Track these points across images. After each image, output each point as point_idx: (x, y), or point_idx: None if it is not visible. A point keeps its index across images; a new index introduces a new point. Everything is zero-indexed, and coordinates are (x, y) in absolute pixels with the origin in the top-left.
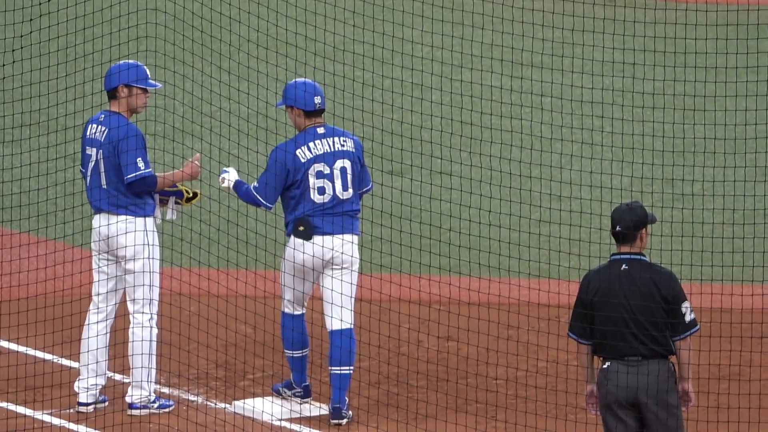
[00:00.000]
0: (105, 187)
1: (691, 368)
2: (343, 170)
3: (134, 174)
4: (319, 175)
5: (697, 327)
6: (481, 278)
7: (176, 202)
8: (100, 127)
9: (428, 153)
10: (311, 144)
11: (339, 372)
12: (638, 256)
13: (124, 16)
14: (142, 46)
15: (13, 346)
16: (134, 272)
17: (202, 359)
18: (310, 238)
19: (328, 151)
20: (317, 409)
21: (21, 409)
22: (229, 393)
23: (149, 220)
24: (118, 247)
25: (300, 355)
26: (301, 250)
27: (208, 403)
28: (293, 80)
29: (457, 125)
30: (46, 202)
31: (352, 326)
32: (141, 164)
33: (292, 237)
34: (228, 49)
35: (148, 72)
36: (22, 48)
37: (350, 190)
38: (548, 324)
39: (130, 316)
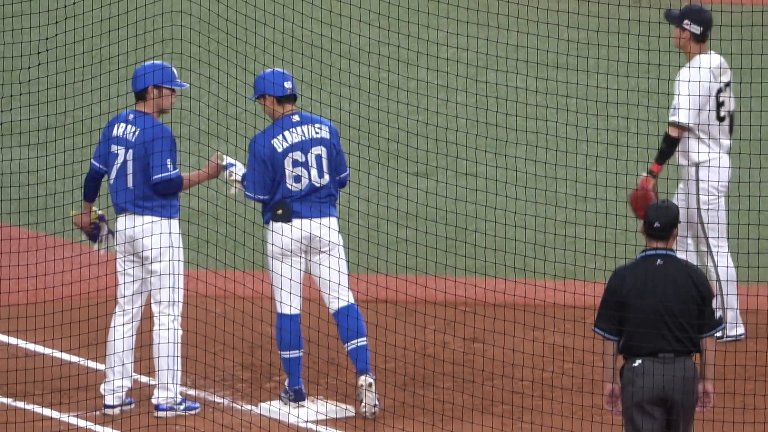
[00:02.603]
0: (131, 187)
1: (713, 368)
2: (318, 158)
3: (162, 175)
4: (295, 163)
5: (723, 325)
6: (507, 280)
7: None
8: (129, 126)
9: (453, 154)
10: (286, 133)
11: (356, 345)
12: (671, 252)
13: (149, 19)
14: (168, 49)
15: (39, 349)
16: (159, 274)
17: (227, 361)
18: (289, 220)
19: (304, 138)
20: (343, 410)
21: (47, 412)
22: (255, 395)
23: (174, 222)
24: (143, 249)
25: (289, 356)
26: (280, 233)
27: (234, 404)
28: (261, 72)
29: (482, 127)
30: (72, 204)
31: (352, 302)
32: (170, 165)
33: (271, 223)
34: (253, 51)
35: (175, 72)
36: (47, 50)
37: (326, 177)
38: (574, 325)
39: (155, 318)
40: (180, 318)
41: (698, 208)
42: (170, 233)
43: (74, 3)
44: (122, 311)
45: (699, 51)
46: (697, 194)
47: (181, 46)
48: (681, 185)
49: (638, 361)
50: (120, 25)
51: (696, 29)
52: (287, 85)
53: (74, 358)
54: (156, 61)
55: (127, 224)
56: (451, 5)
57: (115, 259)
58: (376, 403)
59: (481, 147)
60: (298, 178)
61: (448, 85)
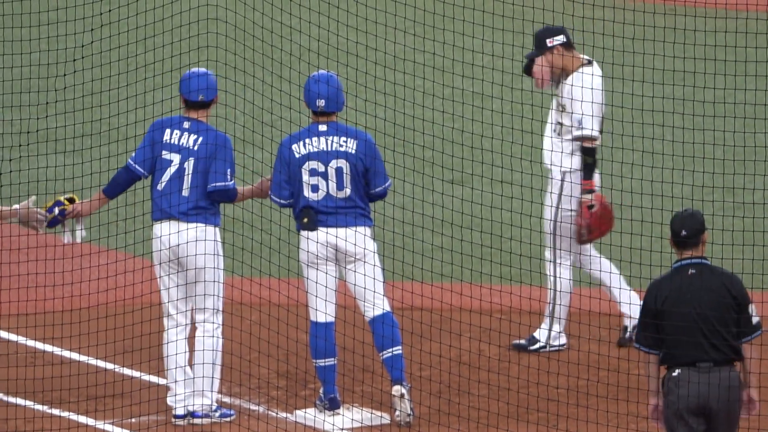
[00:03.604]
0: (185, 194)
1: (756, 376)
2: (339, 171)
3: (220, 183)
4: (313, 172)
5: (761, 330)
6: (542, 287)
7: (59, 206)
8: (187, 134)
9: (489, 162)
10: (307, 140)
11: (391, 354)
12: (703, 260)
13: (185, 26)
14: (203, 56)
15: (74, 356)
16: (204, 282)
17: (263, 368)
18: (315, 228)
19: (323, 149)
20: (378, 418)
21: (83, 419)
22: (291, 402)
23: (218, 230)
24: (188, 255)
25: (324, 364)
26: (314, 240)
27: (270, 412)
28: (315, 73)
29: (518, 134)
30: (107, 211)
31: (388, 310)
32: (228, 176)
33: (300, 232)
34: (289, 58)
35: None
36: (83, 58)
37: (346, 191)
38: (609, 333)
39: (198, 325)
40: (222, 326)
41: (552, 220)
42: (215, 241)
43: (110, 11)
44: (176, 324)
45: (581, 62)
46: (559, 206)
47: (216, 54)
48: (563, 203)
49: (677, 371)
50: (156, 33)
51: (560, 39)
52: (320, 103)
53: (110, 366)
54: (200, 69)
55: (171, 231)
56: (487, 13)
57: (156, 264)
58: (411, 411)
59: (517, 154)
60: (315, 188)
61: (484, 92)
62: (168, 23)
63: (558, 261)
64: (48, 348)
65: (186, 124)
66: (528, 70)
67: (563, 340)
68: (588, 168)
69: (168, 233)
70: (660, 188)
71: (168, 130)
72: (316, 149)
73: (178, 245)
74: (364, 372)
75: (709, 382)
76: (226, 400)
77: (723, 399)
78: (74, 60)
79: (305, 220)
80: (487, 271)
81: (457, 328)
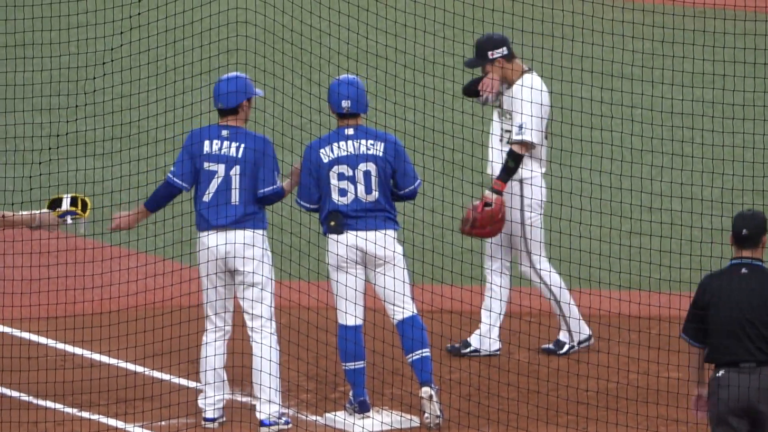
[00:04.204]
0: (234, 202)
1: None
2: (366, 174)
3: (272, 188)
4: (341, 176)
5: None
6: (572, 290)
7: (72, 216)
8: (227, 142)
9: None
10: (335, 144)
11: (420, 356)
12: (759, 262)
13: (214, 29)
14: (233, 59)
15: (105, 359)
16: (258, 289)
17: (293, 371)
18: (342, 232)
19: (352, 153)
20: (408, 421)
21: (113, 422)
22: (320, 405)
23: (266, 234)
24: (244, 262)
25: (354, 367)
26: (342, 243)
27: (299, 415)
28: (337, 78)
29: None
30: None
31: (415, 313)
32: (276, 178)
33: (328, 236)
34: (318, 61)
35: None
36: (112, 61)
37: (374, 194)
38: (639, 336)
39: (251, 332)
40: (276, 336)
41: (522, 223)
42: (263, 248)
43: (139, 14)
44: (215, 328)
45: (521, 70)
46: (521, 210)
47: (246, 57)
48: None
49: (721, 372)
50: (185, 36)
51: (501, 51)
52: (345, 104)
53: (140, 369)
54: (232, 73)
55: (220, 241)
56: (516, 16)
57: (203, 276)
58: (440, 413)
59: (547, 157)
60: (343, 192)
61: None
62: (197, 26)
63: (537, 266)
64: (78, 351)
65: (224, 133)
66: (469, 91)
67: (586, 331)
68: (507, 171)
69: (217, 243)
70: (690, 191)
71: (207, 142)
72: (344, 153)
73: (228, 254)
74: (393, 375)
75: (749, 384)
76: (246, 400)
77: (765, 400)
78: (104, 63)
79: (332, 223)
80: (517, 273)
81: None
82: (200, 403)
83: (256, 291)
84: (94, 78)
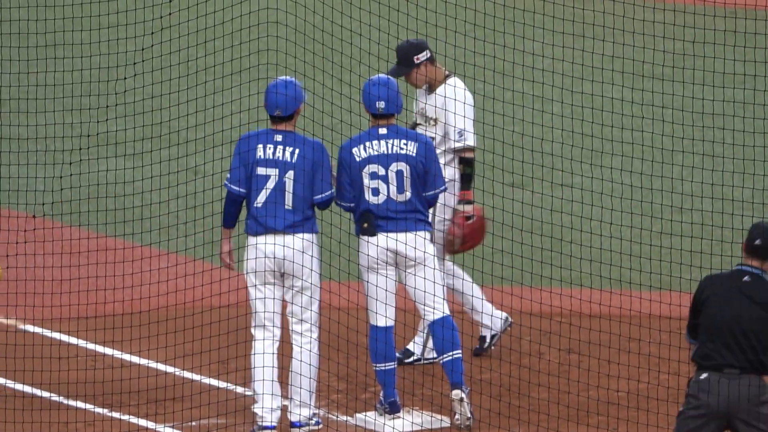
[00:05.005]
0: (288, 207)
1: None
2: (399, 174)
3: (327, 193)
4: (374, 176)
5: None
6: (602, 290)
7: None
8: (281, 147)
9: (549, 165)
10: (367, 143)
11: (451, 357)
12: (760, 271)
13: (245, 30)
14: (263, 59)
15: (135, 359)
16: (308, 295)
17: (323, 372)
18: (374, 234)
19: (384, 152)
20: (438, 421)
21: (143, 422)
22: (351, 406)
23: (316, 239)
24: (294, 266)
25: (384, 368)
26: (374, 244)
27: (330, 415)
28: (370, 78)
29: (578, 137)
30: (168, 215)
31: (447, 314)
32: (332, 182)
33: (360, 237)
34: (349, 61)
35: None
36: (143, 61)
37: (406, 194)
38: (669, 336)
39: (295, 335)
40: (318, 342)
41: (435, 229)
42: (316, 257)
43: (170, 14)
44: (265, 335)
45: (444, 74)
46: (434, 215)
47: (276, 57)
48: (437, 211)
49: (704, 375)
50: (216, 36)
51: (425, 54)
52: (380, 105)
53: (170, 369)
54: (281, 78)
55: (276, 242)
56: (547, 16)
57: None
58: (470, 415)
59: (577, 158)
60: (376, 191)
61: (544, 95)
62: (228, 26)
63: (450, 272)
64: (108, 351)
65: (278, 137)
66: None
67: (500, 320)
68: (467, 178)
69: (269, 246)
70: (720, 191)
71: (261, 146)
72: (376, 152)
73: (281, 257)
74: (424, 375)
75: (729, 391)
76: (285, 403)
77: (744, 408)
78: (134, 63)
79: (365, 225)
80: (548, 274)
81: (516, 331)
82: (257, 409)
83: (305, 297)
84: (125, 78)
